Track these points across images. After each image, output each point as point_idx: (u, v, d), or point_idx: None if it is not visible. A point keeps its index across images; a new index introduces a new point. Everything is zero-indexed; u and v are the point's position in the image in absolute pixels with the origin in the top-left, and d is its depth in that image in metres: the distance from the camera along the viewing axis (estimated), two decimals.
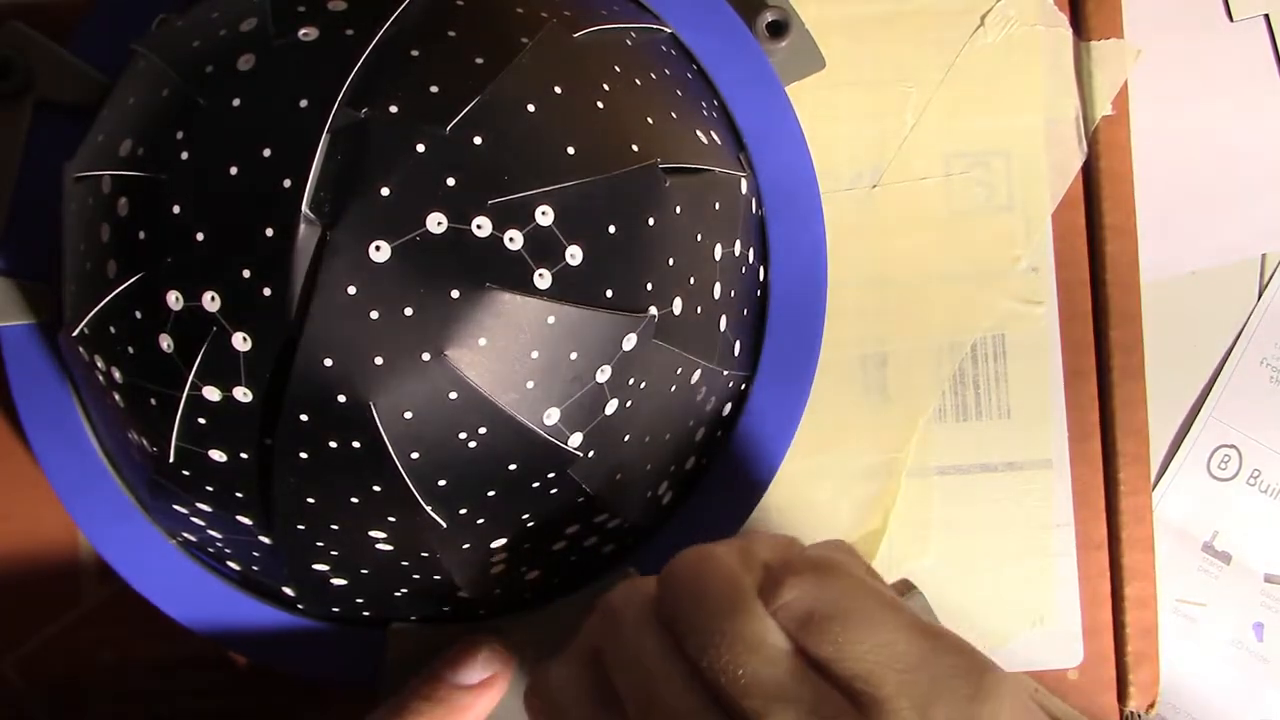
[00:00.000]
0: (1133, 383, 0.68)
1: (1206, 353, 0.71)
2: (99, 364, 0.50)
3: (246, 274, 0.45)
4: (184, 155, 0.47)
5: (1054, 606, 0.68)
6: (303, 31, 0.47)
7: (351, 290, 0.44)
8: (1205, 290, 0.70)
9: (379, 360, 0.45)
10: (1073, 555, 0.68)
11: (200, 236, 0.45)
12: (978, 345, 0.68)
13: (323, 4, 0.48)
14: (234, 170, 0.46)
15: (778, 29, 0.61)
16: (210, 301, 0.45)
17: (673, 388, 0.51)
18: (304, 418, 0.46)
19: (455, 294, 0.45)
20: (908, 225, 0.68)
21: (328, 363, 0.45)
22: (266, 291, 0.45)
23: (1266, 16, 0.70)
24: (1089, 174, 0.68)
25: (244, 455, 0.48)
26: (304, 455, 0.47)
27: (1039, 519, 0.68)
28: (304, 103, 0.46)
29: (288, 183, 0.45)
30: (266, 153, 0.45)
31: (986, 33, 0.68)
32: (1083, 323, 0.68)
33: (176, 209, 0.46)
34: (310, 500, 0.48)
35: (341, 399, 0.45)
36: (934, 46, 0.68)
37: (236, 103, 0.47)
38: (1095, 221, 0.68)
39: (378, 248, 0.45)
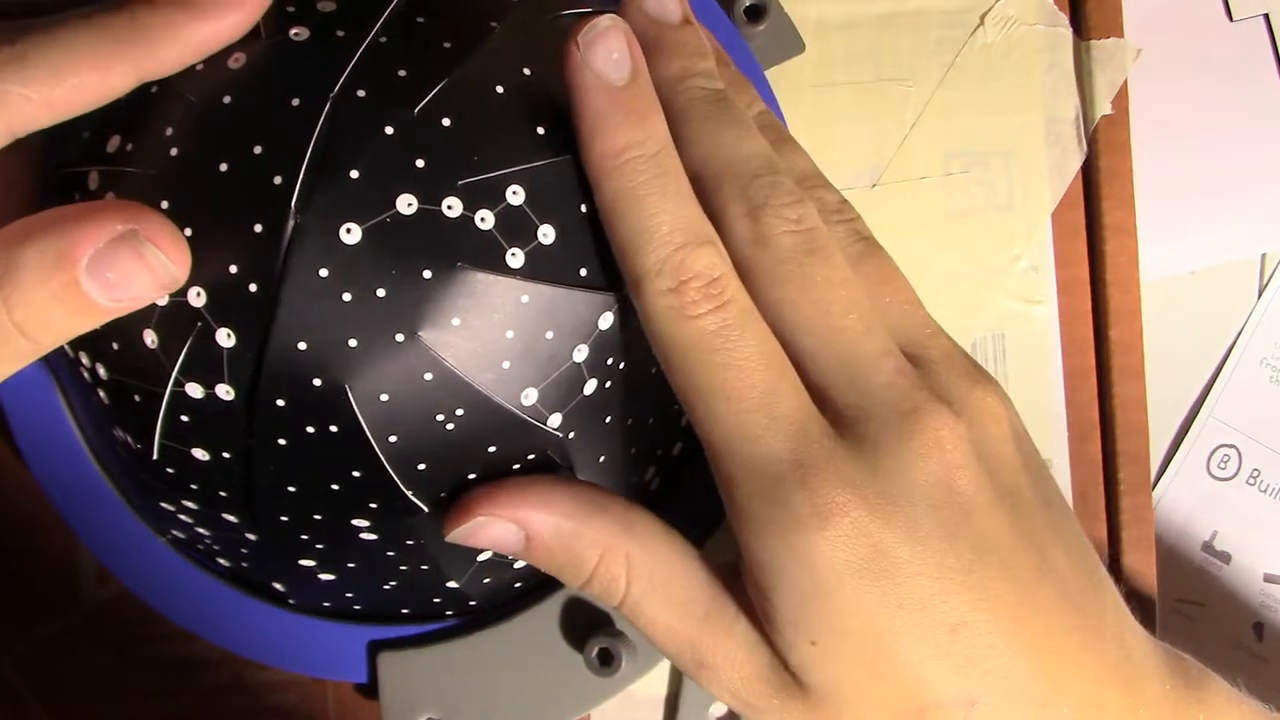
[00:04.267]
0: (1133, 382, 0.67)
1: (1206, 353, 0.71)
2: (84, 360, 0.50)
3: (233, 270, 0.45)
4: (173, 151, 0.47)
5: None
6: (293, 31, 0.48)
7: (323, 273, 0.44)
8: (1205, 290, 0.70)
9: (353, 342, 0.45)
10: None
11: (188, 232, 0.45)
12: (978, 345, 0.67)
13: (313, 4, 0.49)
14: (224, 167, 0.46)
15: (755, 13, 0.61)
16: (196, 297, 0.45)
17: (654, 369, 0.51)
18: (280, 403, 0.46)
19: (427, 274, 0.45)
20: (908, 225, 0.68)
21: (301, 346, 0.45)
22: (252, 288, 0.45)
23: (1266, 16, 0.70)
24: (1089, 174, 0.68)
25: (226, 454, 0.48)
26: (282, 441, 0.47)
27: None
28: (295, 101, 0.46)
29: (278, 180, 0.45)
30: (257, 150, 0.46)
31: (986, 32, 0.68)
32: (1083, 322, 0.68)
33: (165, 204, 0.46)
34: (291, 489, 0.48)
35: (317, 382, 0.45)
36: (934, 46, 0.68)
37: (227, 100, 0.47)
38: (1095, 221, 0.68)
39: (348, 230, 0.45)
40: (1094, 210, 0.68)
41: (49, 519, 0.61)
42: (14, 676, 0.65)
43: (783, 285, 0.45)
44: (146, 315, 0.46)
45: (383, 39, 0.48)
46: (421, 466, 0.48)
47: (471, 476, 0.49)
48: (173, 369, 0.46)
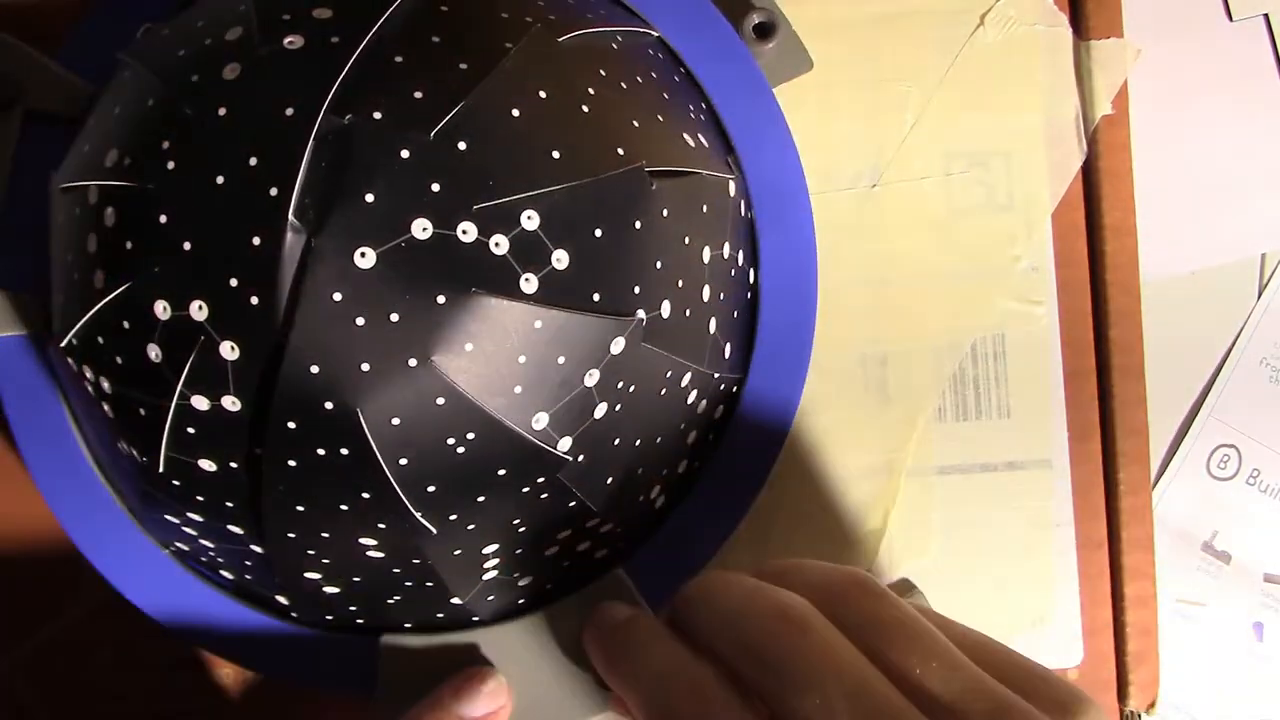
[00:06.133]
0: (1133, 382, 0.68)
1: (1206, 353, 0.71)
2: (88, 374, 0.50)
3: (234, 283, 0.45)
4: (170, 165, 0.47)
5: (1054, 606, 0.68)
6: (288, 40, 0.47)
7: (337, 297, 0.44)
8: (1205, 290, 0.70)
9: (366, 367, 0.45)
10: (1073, 555, 0.68)
11: (187, 246, 0.45)
12: (978, 345, 0.68)
13: (308, 12, 0.48)
14: (220, 179, 0.45)
15: (765, 30, 0.61)
16: (198, 310, 0.45)
17: (662, 391, 0.51)
18: (291, 425, 0.46)
19: (441, 299, 0.45)
20: (908, 225, 0.68)
21: (314, 370, 0.45)
22: (254, 300, 0.45)
23: (1266, 16, 0.70)
24: (1089, 174, 0.68)
25: (233, 465, 0.48)
26: (292, 463, 0.47)
27: (1039, 519, 0.68)
28: (290, 111, 0.46)
29: (274, 191, 0.45)
30: (253, 161, 0.45)
31: (986, 32, 0.68)
32: (1083, 322, 0.68)
33: (163, 218, 0.46)
34: (300, 508, 0.48)
35: (329, 406, 0.45)
36: (933, 46, 0.68)
37: (222, 112, 0.46)
38: (1095, 221, 0.68)
39: (363, 254, 0.44)
40: (1094, 210, 0.68)
41: (49, 519, 0.61)
42: (14, 677, 0.65)
43: None
44: (150, 329, 0.46)
45: (398, 58, 0.48)
46: (431, 489, 0.48)
47: (480, 499, 0.49)
48: (177, 382, 0.46)
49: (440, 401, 0.46)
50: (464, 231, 0.45)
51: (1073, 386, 0.68)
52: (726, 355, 0.56)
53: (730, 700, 0.43)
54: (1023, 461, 0.68)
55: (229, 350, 0.45)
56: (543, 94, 0.49)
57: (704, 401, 0.55)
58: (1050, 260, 0.68)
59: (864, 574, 0.46)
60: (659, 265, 0.50)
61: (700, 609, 0.46)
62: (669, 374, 0.52)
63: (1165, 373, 0.69)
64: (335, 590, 0.53)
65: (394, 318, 0.45)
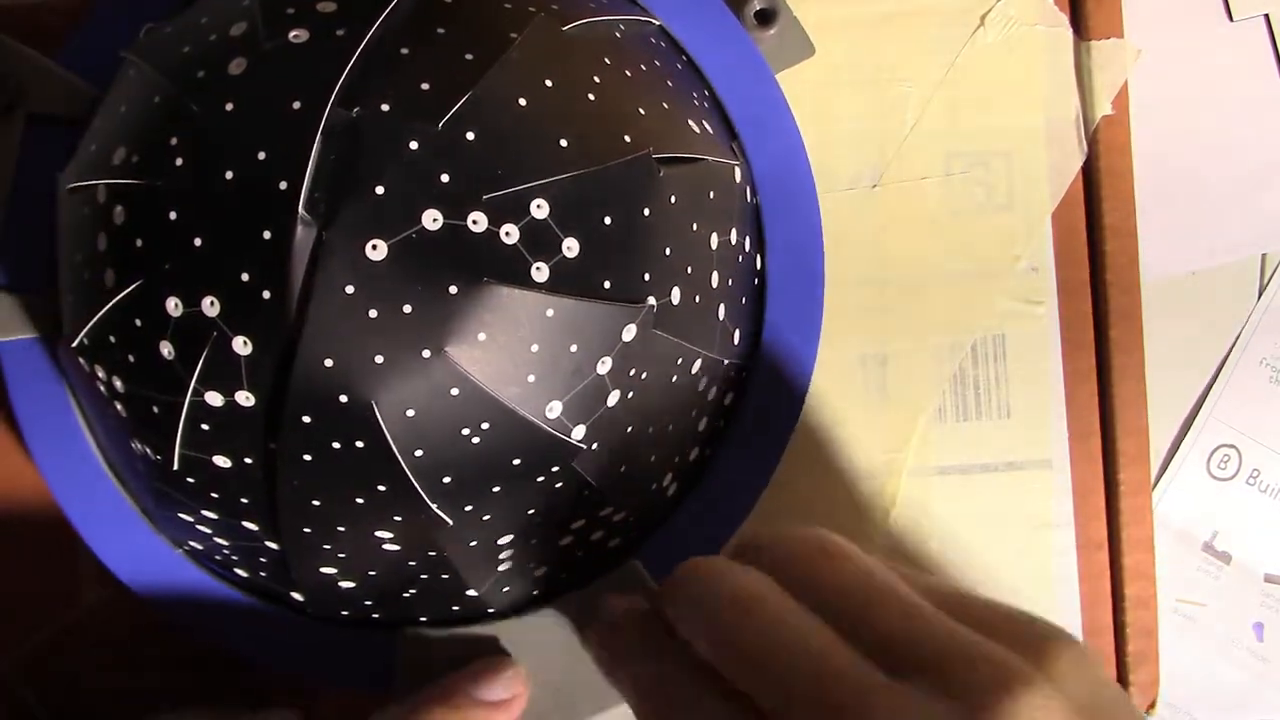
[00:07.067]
0: (1133, 383, 0.68)
1: (1206, 353, 0.71)
2: (100, 374, 0.50)
3: (245, 277, 0.45)
4: (178, 161, 0.47)
5: (1054, 607, 0.68)
6: (293, 34, 0.47)
7: (349, 290, 0.44)
8: (1205, 290, 0.70)
9: (379, 359, 0.45)
10: (1073, 555, 0.68)
11: (198, 242, 0.45)
12: (978, 345, 0.68)
13: (312, 6, 0.48)
14: (229, 174, 0.45)
15: (765, 17, 0.61)
16: (210, 306, 0.45)
17: (674, 378, 0.52)
18: (306, 419, 0.46)
19: (453, 290, 0.45)
20: (908, 225, 0.68)
21: (328, 363, 0.45)
22: (266, 294, 0.45)
23: (1266, 16, 0.70)
24: (1089, 174, 0.69)
25: (248, 460, 0.48)
26: (308, 457, 0.47)
27: (1039, 519, 0.68)
28: (297, 104, 0.46)
29: (284, 185, 0.45)
30: (261, 155, 0.45)
31: (986, 32, 0.68)
32: (1083, 323, 0.68)
33: (173, 215, 0.46)
34: (315, 502, 0.48)
35: (343, 399, 0.45)
36: (934, 46, 0.69)
37: (229, 107, 0.47)
38: (1095, 221, 0.68)
39: (374, 246, 0.45)
40: (1094, 210, 0.68)
41: (50, 519, 0.61)
42: (14, 677, 0.65)
43: None
44: (162, 327, 0.46)
45: (404, 50, 0.48)
46: (446, 480, 0.48)
47: (495, 489, 0.49)
48: (191, 379, 0.46)
49: (454, 392, 0.46)
50: (474, 221, 0.45)
51: (1073, 387, 0.68)
52: (735, 341, 0.56)
53: (711, 706, 0.43)
54: (1023, 461, 0.68)
55: (242, 345, 0.46)
56: (548, 83, 0.49)
57: (714, 388, 0.55)
58: (1050, 260, 0.68)
59: (825, 536, 0.45)
60: (668, 252, 0.50)
61: (677, 604, 0.46)
62: (680, 360, 0.52)
63: (1165, 373, 0.69)
64: (351, 585, 0.53)
65: (406, 309, 0.45)
